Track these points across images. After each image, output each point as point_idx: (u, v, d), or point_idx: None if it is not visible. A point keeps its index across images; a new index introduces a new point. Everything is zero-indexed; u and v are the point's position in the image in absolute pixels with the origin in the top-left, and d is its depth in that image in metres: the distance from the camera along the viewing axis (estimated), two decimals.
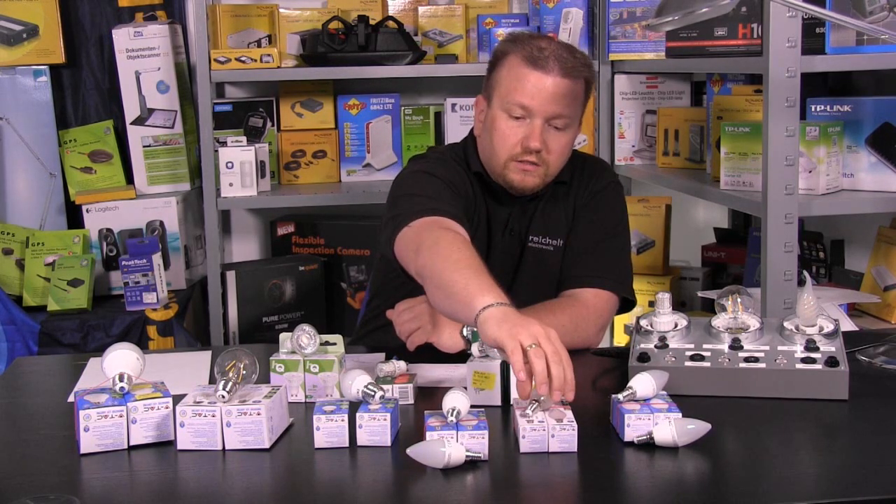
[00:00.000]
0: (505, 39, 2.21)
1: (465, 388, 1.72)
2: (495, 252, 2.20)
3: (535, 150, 2.10)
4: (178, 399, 1.60)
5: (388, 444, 1.56)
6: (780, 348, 1.77)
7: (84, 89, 3.33)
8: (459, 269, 1.77)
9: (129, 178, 3.30)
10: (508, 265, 2.21)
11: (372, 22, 3.19)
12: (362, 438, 1.56)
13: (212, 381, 1.74)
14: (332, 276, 3.32)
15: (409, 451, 1.47)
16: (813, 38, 2.39)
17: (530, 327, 1.59)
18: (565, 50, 2.13)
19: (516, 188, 2.15)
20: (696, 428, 1.54)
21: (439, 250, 1.84)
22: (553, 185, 2.22)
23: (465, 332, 1.92)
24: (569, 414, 1.56)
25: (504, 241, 2.21)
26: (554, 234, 2.22)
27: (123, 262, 3.01)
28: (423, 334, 1.93)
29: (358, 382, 1.62)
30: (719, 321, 1.83)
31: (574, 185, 2.25)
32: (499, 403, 1.73)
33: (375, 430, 1.56)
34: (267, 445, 1.56)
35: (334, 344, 1.80)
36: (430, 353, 1.94)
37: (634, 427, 1.54)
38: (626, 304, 2.21)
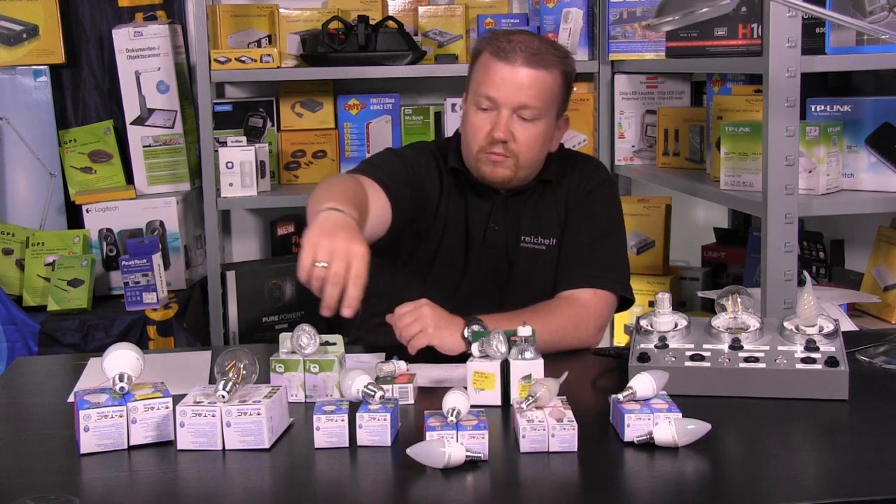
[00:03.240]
0: (480, 38, 2.24)
1: (465, 388, 1.72)
2: (477, 246, 2.21)
3: (500, 140, 2.11)
4: (178, 399, 1.60)
5: (388, 444, 1.56)
6: (780, 348, 1.77)
7: (84, 89, 3.33)
8: (335, 187, 1.90)
9: (129, 178, 3.30)
10: (499, 263, 2.21)
11: (372, 22, 3.19)
12: (362, 438, 1.56)
13: (212, 381, 1.74)
14: None
15: (409, 451, 1.47)
16: (813, 38, 2.39)
17: (335, 243, 1.66)
18: (537, 42, 2.15)
19: (488, 179, 2.17)
20: (696, 428, 1.54)
21: (332, 181, 1.99)
22: (537, 183, 2.23)
23: (465, 334, 1.92)
24: (569, 414, 1.56)
25: (489, 237, 2.21)
26: (546, 234, 2.22)
27: (123, 262, 3.01)
28: (424, 337, 1.93)
29: (358, 382, 1.62)
30: (719, 321, 1.83)
31: (564, 184, 2.25)
32: (499, 403, 1.73)
33: (375, 430, 1.56)
34: (267, 445, 1.56)
35: (334, 344, 1.80)
36: (430, 354, 1.94)
37: (634, 427, 1.54)
38: (624, 303, 2.22)
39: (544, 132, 2.16)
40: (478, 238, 2.21)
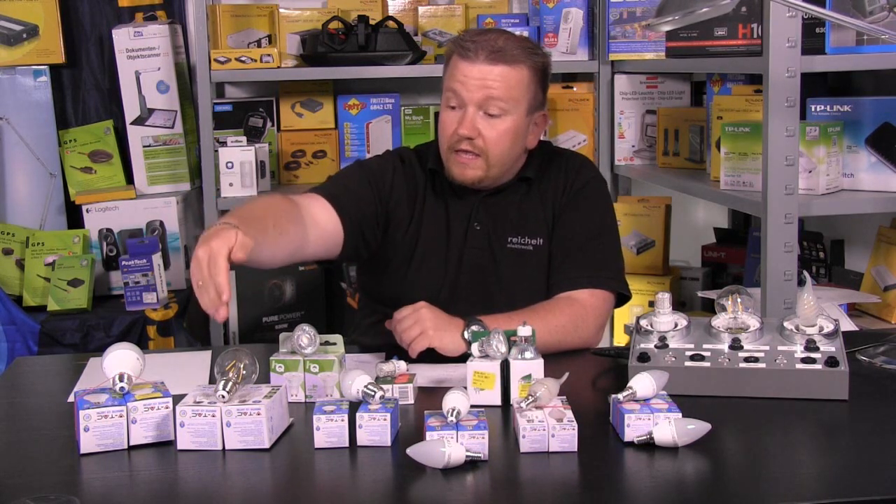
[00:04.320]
0: (450, 39, 2.27)
1: (465, 388, 1.72)
2: (458, 247, 2.20)
3: (466, 136, 2.12)
4: (178, 399, 1.60)
5: (388, 444, 1.56)
6: (780, 348, 1.77)
7: (84, 89, 3.33)
8: (240, 207, 1.96)
9: (129, 178, 3.30)
10: (485, 263, 2.21)
11: (372, 22, 3.19)
12: (362, 438, 1.56)
13: (212, 381, 1.74)
14: (332, 276, 3.33)
15: (409, 451, 1.47)
16: (813, 38, 2.39)
17: (196, 254, 1.69)
18: (503, 39, 2.15)
19: (458, 181, 2.18)
20: (696, 428, 1.54)
21: (252, 200, 2.04)
22: (518, 181, 2.23)
23: (465, 335, 1.92)
24: (569, 414, 1.56)
25: (471, 238, 2.21)
26: (533, 234, 2.22)
27: (123, 262, 3.01)
28: (424, 339, 1.93)
29: (358, 382, 1.62)
30: (719, 321, 1.83)
31: (551, 183, 2.24)
32: (499, 403, 1.73)
33: (375, 430, 1.56)
34: (267, 445, 1.56)
35: (334, 344, 1.80)
36: (429, 354, 1.94)
37: (634, 427, 1.54)
38: (621, 299, 2.22)
39: (514, 128, 2.16)
40: (458, 238, 2.21)
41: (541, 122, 2.23)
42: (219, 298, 1.65)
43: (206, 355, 2.07)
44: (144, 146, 3.27)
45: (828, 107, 2.51)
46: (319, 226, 2.08)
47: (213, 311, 1.66)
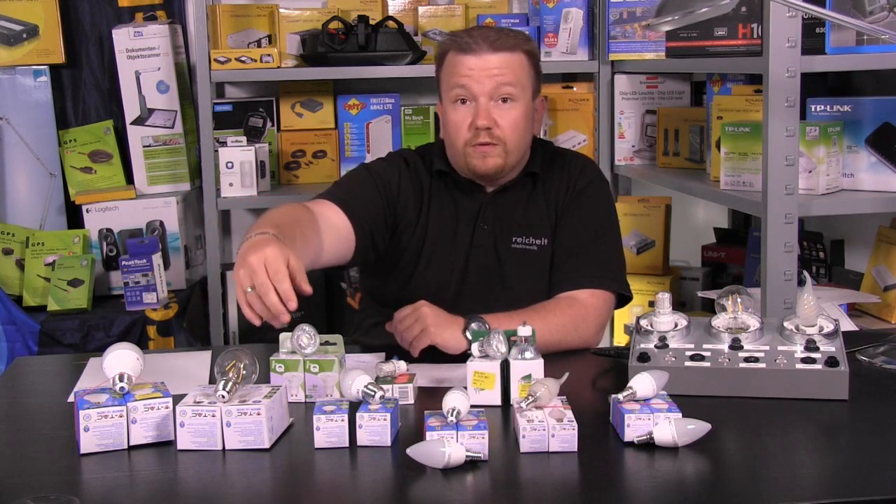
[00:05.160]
0: (440, 41, 2.27)
1: (465, 388, 1.72)
2: (465, 246, 2.21)
3: (484, 127, 2.13)
4: (178, 399, 1.60)
5: (388, 444, 1.56)
6: (780, 348, 1.77)
7: (84, 89, 3.33)
8: (266, 216, 1.94)
9: (129, 178, 3.30)
10: (489, 263, 2.21)
11: (372, 22, 3.19)
12: (362, 438, 1.56)
13: (212, 381, 1.74)
14: (332, 276, 3.32)
15: (409, 451, 1.47)
16: (813, 38, 2.39)
17: (249, 265, 1.68)
18: (494, 31, 2.20)
19: (480, 172, 2.18)
20: (696, 428, 1.54)
21: (270, 210, 1.99)
22: (524, 177, 2.23)
23: (467, 334, 1.92)
24: (569, 414, 1.56)
25: (477, 237, 2.22)
26: (537, 234, 2.22)
27: (123, 262, 3.01)
28: (425, 337, 1.93)
29: (358, 382, 1.62)
30: (719, 321, 1.83)
31: (554, 183, 2.25)
32: (499, 403, 1.73)
33: (375, 430, 1.56)
34: (267, 445, 1.56)
35: (334, 344, 1.80)
36: (430, 354, 1.94)
37: (634, 427, 1.54)
38: (622, 299, 2.22)
39: (525, 114, 2.18)
40: (465, 239, 2.21)
41: (540, 108, 2.26)
42: (283, 304, 1.68)
43: (206, 355, 2.07)
44: (144, 146, 3.27)
45: (828, 107, 2.51)
46: (333, 232, 2.07)
47: (269, 316, 1.69)
